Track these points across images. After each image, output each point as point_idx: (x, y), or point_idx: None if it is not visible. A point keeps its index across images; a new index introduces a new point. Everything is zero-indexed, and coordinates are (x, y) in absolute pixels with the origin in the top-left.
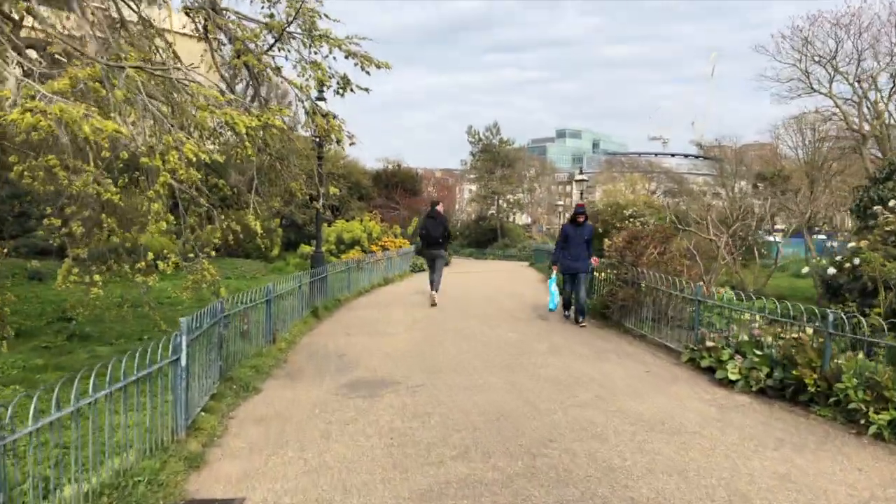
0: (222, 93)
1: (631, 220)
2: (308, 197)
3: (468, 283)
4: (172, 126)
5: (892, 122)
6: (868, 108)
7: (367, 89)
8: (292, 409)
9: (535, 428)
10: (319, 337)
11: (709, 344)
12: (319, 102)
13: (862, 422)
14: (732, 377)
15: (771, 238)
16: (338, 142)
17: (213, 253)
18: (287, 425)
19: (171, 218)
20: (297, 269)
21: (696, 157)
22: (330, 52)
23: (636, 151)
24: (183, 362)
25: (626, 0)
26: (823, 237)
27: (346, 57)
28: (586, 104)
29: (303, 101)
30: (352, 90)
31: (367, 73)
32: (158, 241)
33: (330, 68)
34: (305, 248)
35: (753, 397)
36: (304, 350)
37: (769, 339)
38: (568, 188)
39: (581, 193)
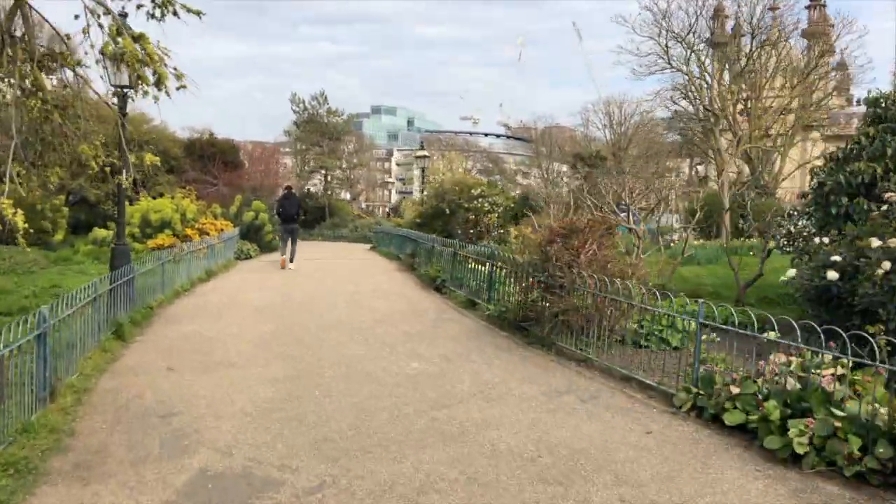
0: None
1: (480, 199)
2: (106, 168)
3: (316, 275)
4: None
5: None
6: (716, 87)
7: (199, 13)
8: None
9: None
10: (129, 376)
11: (734, 390)
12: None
13: None
14: (800, 450)
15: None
16: (158, 83)
17: None
18: None
19: None
20: (88, 259)
21: (509, 137)
22: None
23: (452, 130)
24: None
25: None
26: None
27: None
28: (401, 82)
29: (98, 16)
30: (175, 14)
31: None
32: None
33: None
34: (100, 233)
35: (850, 488)
36: (107, 405)
37: (836, 385)
38: (387, 164)
39: (423, 171)
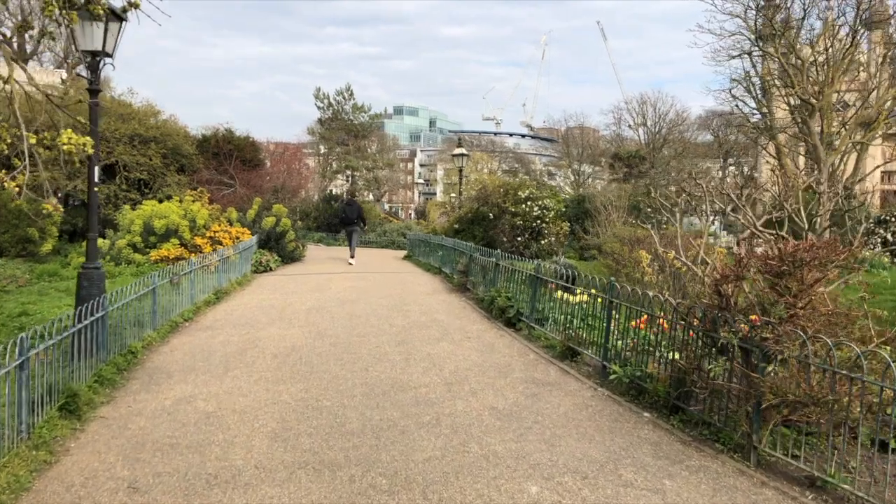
0: None
1: (528, 203)
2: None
3: (351, 298)
4: None
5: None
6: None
7: None
8: None
9: None
10: None
11: None
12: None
13: None
14: None
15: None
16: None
17: None
18: None
19: None
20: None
21: (534, 137)
22: None
23: (476, 130)
24: None
25: None
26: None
27: None
28: (422, 82)
29: None
30: None
31: None
32: None
33: None
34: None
35: None
36: None
37: None
38: (409, 165)
39: (461, 170)
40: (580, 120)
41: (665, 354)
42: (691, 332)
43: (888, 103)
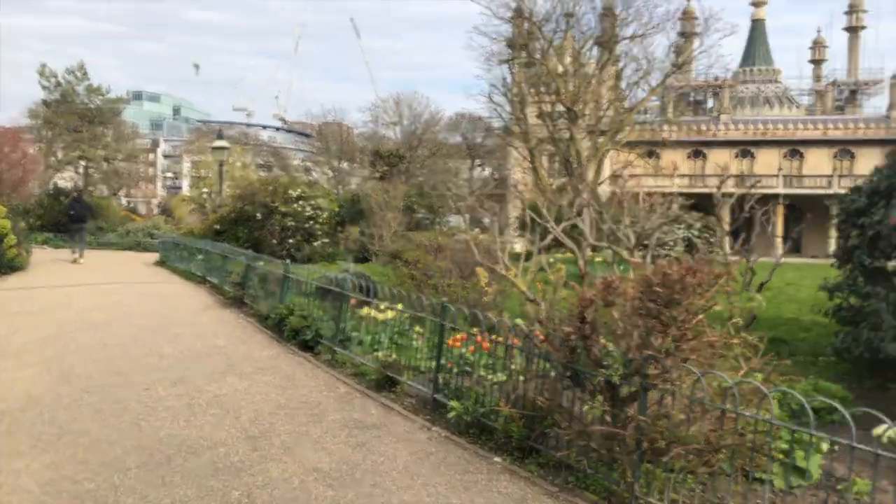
0: None
1: (300, 202)
2: None
3: (96, 317)
4: None
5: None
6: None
7: None
8: None
9: None
10: None
11: None
12: None
13: None
14: None
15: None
16: None
17: None
18: None
19: None
20: None
21: (289, 131)
22: None
23: (227, 121)
24: None
25: None
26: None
27: None
28: (167, 68)
29: None
30: None
31: None
32: None
33: None
34: None
35: None
36: None
37: None
38: (151, 156)
39: (221, 164)
40: (338, 116)
41: (519, 390)
42: (548, 364)
43: (623, 115)
